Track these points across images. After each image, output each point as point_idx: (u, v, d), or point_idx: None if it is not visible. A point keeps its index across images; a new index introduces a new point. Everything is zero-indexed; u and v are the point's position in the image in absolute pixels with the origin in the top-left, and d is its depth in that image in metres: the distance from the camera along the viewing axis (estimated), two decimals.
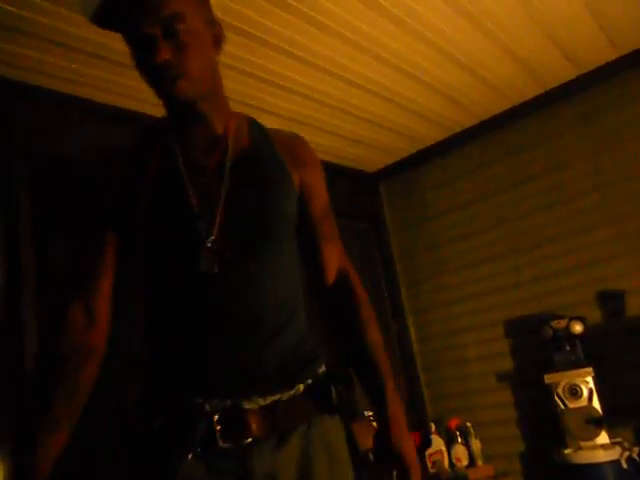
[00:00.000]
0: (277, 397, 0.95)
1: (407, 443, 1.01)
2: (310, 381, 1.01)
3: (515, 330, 3.33)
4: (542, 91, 3.26)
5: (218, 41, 1.06)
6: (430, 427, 3.35)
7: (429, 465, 3.24)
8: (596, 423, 2.73)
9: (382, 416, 1.04)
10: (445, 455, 3.28)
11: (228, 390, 0.93)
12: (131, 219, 1.01)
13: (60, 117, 2.39)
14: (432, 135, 3.62)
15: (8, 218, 2.13)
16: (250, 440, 0.91)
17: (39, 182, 2.23)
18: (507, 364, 3.35)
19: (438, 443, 3.29)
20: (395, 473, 0.99)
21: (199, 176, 1.02)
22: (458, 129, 3.59)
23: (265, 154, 1.09)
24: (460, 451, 3.28)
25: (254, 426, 0.92)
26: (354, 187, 3.89)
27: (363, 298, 1.17)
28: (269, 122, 3.24)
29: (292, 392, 0.97)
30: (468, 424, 3.33)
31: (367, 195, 3.99)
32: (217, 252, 0.96)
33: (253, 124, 1.14)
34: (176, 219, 1.00)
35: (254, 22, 2.20)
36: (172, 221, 1.00)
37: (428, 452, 3.27)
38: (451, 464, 3.27)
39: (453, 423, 3.37)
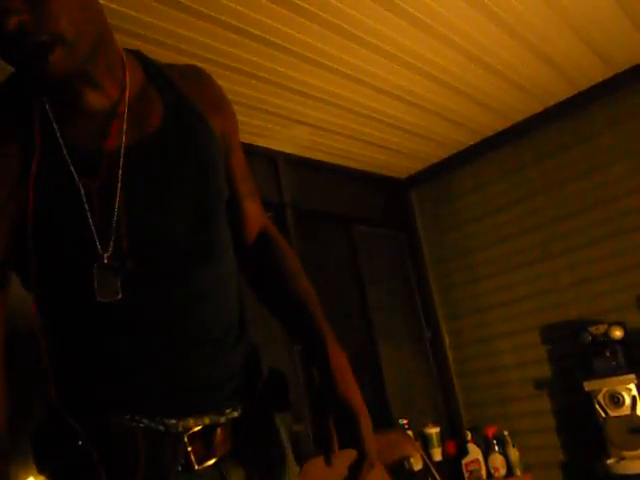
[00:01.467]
0: (234, 413, 0.84)
1: (355, 391, 0.89)
2: (260, 386, 0.91)
3: (552, 336, 3.26)
4: (575, 92, 3.21)
5: None
6: (466, 435, 3.30)
7: (466, 475, 3.20)
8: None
9: (324, 367, 0.90)
10: (482, 464, 3.22)
11: (174, 409, 0.79)
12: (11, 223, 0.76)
13: None
14: (463, 140, 3.60)
15: None
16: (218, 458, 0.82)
17: None
18: (545, 371, 3.28)
19: (475, 452, 3.24)
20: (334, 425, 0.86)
21: (92, 166, 0.77)
22: (489, 133, 3.56)
23: (179, 110, 0.85)
24: (498, 460, 3.22)
25: (222, 443, 0.82)
26: (385, 194, 3.88)
27: (287, 249, 1.04)
28: (300, 132, 3.28)
29: (245, 404, 0.86)
30: (505, 432, 3.27)
31: (398, 202, 3.98)
32: (119, 271, 0.75)
33: (148, 67, 0.88)
34: (65, 231, 0.77)
35: (286, 35, 2.23)
36: (60, 234, 0.77)
37: (465, 461, 3.22)
38: (488, 474, 3.21)
39: (490, 431, 3.31)
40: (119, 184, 0.76)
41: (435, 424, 3.34)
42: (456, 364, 3.71)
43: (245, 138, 2.92)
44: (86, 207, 0.75)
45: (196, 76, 0.94)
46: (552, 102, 3.29)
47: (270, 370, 0.95)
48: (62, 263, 0.77)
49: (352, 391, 0.89)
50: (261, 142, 3.05)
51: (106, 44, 0.79)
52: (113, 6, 1.86)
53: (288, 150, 3.21)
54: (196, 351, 0.81)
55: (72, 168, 0.75)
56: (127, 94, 0.81)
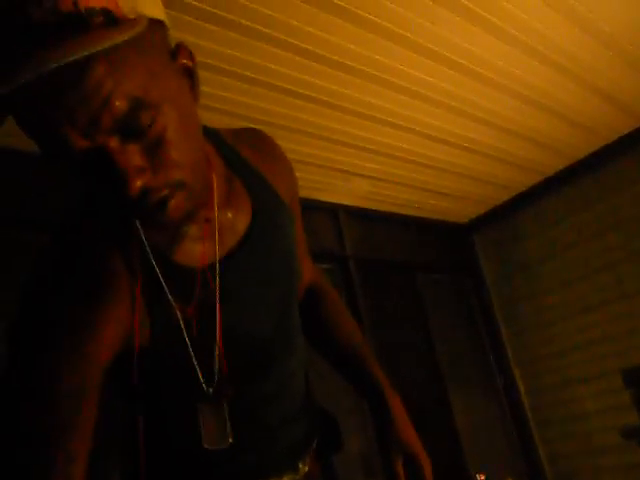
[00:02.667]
0: (305, 468, 0.88)
1: (411, 431, 0.93)
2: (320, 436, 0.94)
3: (636, 380, 3.07)
4: (638, 125, 3.14)
5: (191, 77, 0.65)
6: None
7: None
8: None
9: (382, 410, 0.93)
10: None
11: None
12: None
13: None
14: (524, 181, 3.56)
15: None
16: None
17: None
18: (632, 418, 3.08)
19: None
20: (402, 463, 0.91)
21: (188, 285, 0.70)
22: (551, 173, 3.51)
23: (264, 202, 0.80)
24: None
25: None
26: (447, 240, 3.87)
27: (333, 296, 1.05)
28: (360, 184, 3.35)
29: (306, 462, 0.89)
30: None
31: (461, 247, 3.95)
32: (220, 408, 0.71)
33: (222, 148, 0.81)
34: (170, 371, 0.72)
35: (338, 93, 2.34)
36: (165, 374, 0.72)
37: None
38: None
39: None
40: (217, 303, 0.71)
41: (516, 479, 3.18)
42: (533, 412, 3.55)
43: (306, 193, 3.02)
44: (185, 335, 0.69)
45: (260, 143, 0.89)
46: (614, 137, 3.22)
47: (321, 411, 0.98)
48: (167, 401, 0.74)
49: (411, 433, 0.93)
50: (321, 196, 3.14)
51: (203, 159, 0.68)
52: None
53: (348, 202, 3.29)
54: (282, 426, 0.84)
55: (168, 294, 0.68)
56: (215, 197, 0.73)
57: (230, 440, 0.70)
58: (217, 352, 0.71)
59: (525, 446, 3.52)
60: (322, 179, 2.97)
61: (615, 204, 3.25)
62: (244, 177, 0.80)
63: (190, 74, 0.64)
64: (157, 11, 0.59)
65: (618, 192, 3.25)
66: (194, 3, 1.74)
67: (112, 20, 0.52)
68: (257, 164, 0.83)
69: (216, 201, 0.73)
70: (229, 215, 0.75)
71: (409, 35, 2.10)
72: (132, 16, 0.53)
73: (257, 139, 0.89)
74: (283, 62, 2.09)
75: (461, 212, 3.84)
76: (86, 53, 0.49)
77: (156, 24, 0.58)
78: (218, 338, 0.71)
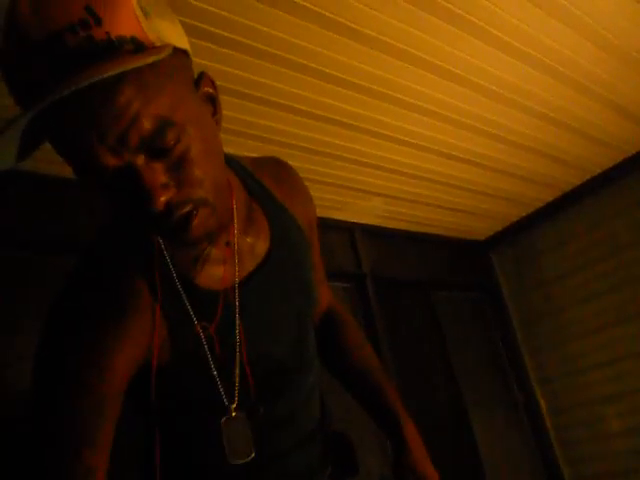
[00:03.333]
0: None
1: (427, 462, 0.93)
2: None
3: None
4: None
5: (214, 103, 0.70)
6: None
7: None
8: None
9: (398, 438, 0.93)
10: None
11: None
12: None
13: None
14: (541, 197, 3.55)
15: None
16: None
17: None
18: None
19: None
20: None
21: (210, 306, 0.73)
22: (568, 188, 3.49)
23: (283, 230, 0.84)
24: None
25: None
26: (465, 257, 3.85)
27: (350, 323, 1.06)
28: (376, 202, 3.34)
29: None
30: None
31: (479, 264, 3.93)
32: (244, 422, 0.73)
33: (244, 177, 0.85)
34: (190, 388, 0.73)
35: (354, 114, 2.36)
36: (186, 392, 0.74)
37: None
38: None
39: None
40: (237, 322, 0.74)
41: None
42: (556, 431, 3.48)
43: (323, 212, 3.04)
44: (207, 353, 0.71)
45: (281, 173, 0.91)
46: (632, 151, 3.20)
47: (336, 435, 0.98)
48: (186, 423, 0.75)
49: (425, 459, 0.93)
50: (338, 215, 3.16)
51: (225, 181, 0.72)
52: None
53: (365, 221, 3.30)
54: (295, 449, 0.84)
55: (191, 312, 0.70)
56: (235, 222, 0.76)
57: (253, 454, 0.71)
58: (238, 370, 0.73)
59: (548, 466, 3.45)
60: (338, 198, 2.99)
61: (635, 218, 3.22)
62: (264, 204, 0.83)
63: (212, 101, 0.69)
64: (182, 41, 0.63)
65: (637, 207, 3.21)
66: (211, 29, 1.78)
67: (140, 47, 0.56)
68: (277, 192, 0.86)
69: (236, 225, 0.76)
70: (248, 240, 0.79)
71: (423, 55, 2.12)
72: (158, 44, 0.58)
73: (278, 168, 0.92)
74: (300, 84, 2.12)
75: (478, 229, 3.82)
76: (115, 72, 0.52)
77: (181, 53, 0.63)
78: (240, 356, 0.73)
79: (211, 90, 0.68)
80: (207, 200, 0.63)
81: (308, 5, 1.78)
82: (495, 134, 2.76)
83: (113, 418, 0.64)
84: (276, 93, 2.14)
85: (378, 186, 2.98)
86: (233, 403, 0.72)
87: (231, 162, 0.83)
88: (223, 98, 1.95)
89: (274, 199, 0.85)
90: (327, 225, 3.07)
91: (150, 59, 0.55)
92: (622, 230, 3.26)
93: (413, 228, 3.53)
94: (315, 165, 2.63)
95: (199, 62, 1.89)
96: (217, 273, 0.74)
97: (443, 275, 3.66)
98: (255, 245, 0.79)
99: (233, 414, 0.72)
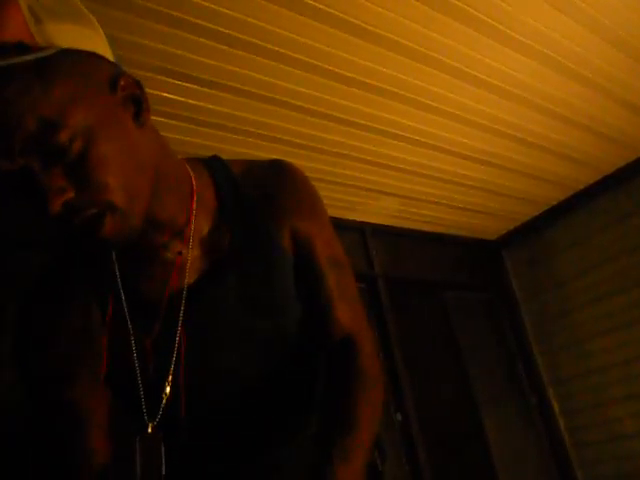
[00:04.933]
0: None
1: None
2: None
3: None
4: None
5: (136, 105, 0.67)
6: None
7: None
8: None
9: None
10: None
11: None
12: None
13: None
14: (553, 196, 3.52)
15: None
16: None
17: None
18: None
19: None
20: None
21: (152, 315, 0.72)
22: (581, 187, 3.46)
23: (250, 247, 0.77)
24: None
25: None
26: (477, 257, 3.83)
27: (365, 369, 0.82)
28: (388, 203, 3.33)
29: None
30: None
31: (491, 264, 3.91)
32: (165, 444, 0.69)
33: (221, 185, 0.80)
34: (122, 398, 0.73)
35: (367, 114, 2.36)
36: (120, 401, 0.74)
37: None
38: None
39: None
40: (178, 336, 0.71)
41: None
42: (569, 433, 3.45)
43: (335, 213, 3.04)
44: (136, 366, 0.70)
45: (275, 184, 0.82)
46: None
47: None
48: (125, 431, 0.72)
49: None
50: (351, 215, 3.16)
51: (166, 176, 0.71)
52: (201, 104, 2.08)
53: (376, 221, 3.29)
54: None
55: (128, 321, 0.70)
56: (190, 232, 0.74)
57: (162, 476, 0.67)
58: (169, 387, 0.70)
59: (561, 468, 3.42)
60: (350, 198, 2.98)
61: None
62: (234, 220, 0.78)
63: (137, 102, 0.66)
64: (88, 44, 0.63)
65: None
66: (222, 29, 1.78)
67: (25, 50, 0.57)
68: (260, 207, 0.80)
69: (192, 237, 0.74)
70: (201, 253, 0.75)
71: (435, 55, 2.11)
72: (44, 46, 0.58)
73: (273, 179, 0.83)
74: (311, 85, 2.12)
75: (490, 229, 3.80)
76: None
77: (89, 56, 0.63)
78: (174, 371, 0.69)
79: (134, 91, 0.66)
80: (114, 205, 0.61)
81: (319, 6, 1.78)
82: (507, 133, 2.74)
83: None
84: (288, 94, 2.14)
85: (390, 186, 2.97)
86: (154, 420, 0.69)
87: (215, 167, 0.80)
88: (232, 98, 1.94)
89: (251, 215, 0.79)
90: (338, 225, 3.05)
91: (30, 57, 0.56)
92: (635, 229, 3.23)
93: (425, 228, 3.52)
94: (327, 165, 2.63)
95: (210, 63, 1.90)
96: (164, 282, 0.72)
97: (455, 275, 3.64)
98: (209, 259, 0.75)
99: (149, 431, 0.69)
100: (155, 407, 0.69)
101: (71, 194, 0.59)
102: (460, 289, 3.66)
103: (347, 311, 0.84)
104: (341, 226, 3.11)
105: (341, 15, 1.84)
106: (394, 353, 2.96)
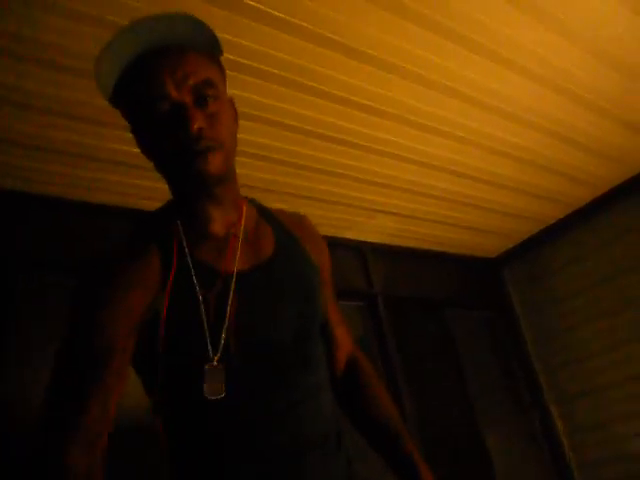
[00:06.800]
0: None
1: None
2: None
3: None
4: None
5: (236, 117, 0.97)
6: None
7: None
8: None
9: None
10: None
11: None
12: (144, 330, 0.87)
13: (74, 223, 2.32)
14: (553, 214, 3.53)
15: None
16: None
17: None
18: None
19: None
20: None
21: (212, 281, 0.90)
22: (581, 204, 3.47)
23: (287, 244, 1.01)
24: None
25: None
26: (477, 275, 3.83)
27: (371, 373, 1.13)
28: (385, 221, 3.34)
29: None
30: None
31: (491, 282, 3.90)
32: (225, 372, 0.87)
33: (260, 208, 1.06)
34: (186, 336, 0.88)
35: (362, 134, 2.38)
36: (182, 338, 0.88)
37: None
38: None
39: None
40: (230, 298, 0.90)
41: None
42: (574, 453, 3.41)
43: (332, 232, 3.04)
44: (203, 313, 0.88)
45: (301, 220, 1.10)
46: None
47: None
48: (181, 364, 0.89)
49: None
50: (348, 234, 3.16)
51: (234, 175, 0.97)
52: None
53: (375, 240, 3.29)
54: (291, 455, 0.88)
55: (195, 281, 0.89)
56: (242, 222, 0.98)
57: (223, 394, 0.86)
58: (224, 334, 0.88)
59: None
60: (347, 217, 2.99)
61: None
62: (274, 227, 1.02)
63: (236, 115, 0.98)
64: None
65: None
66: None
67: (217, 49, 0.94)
68: (293, 231, 1.04)
69: (243, 225, 0.98)
70: (253, 239, 0.99)
71: (429, 75, 2.13)
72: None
73: (300, 218, 1.11)
74: (305, 105, 2.14)
75: (490, 246, 3.80)
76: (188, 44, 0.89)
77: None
78: (228, 324, 0.88)
79: (236, 110, 0.98)
80: (223, 145, 0.88)
81: (309, 27, 1.80)
82: (504, 151, 2.76)
83: (117, 368, 0.83)
84: (282, 114, 2.16)
85: (387, 205, 2.98)
86: (217, 354, 0.87)
87: (251, 200, 1.06)
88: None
89: (286, 230, 1.03)
90: (337, 244, 3.07)
91: (211, 52, 0.93)
92: (633, 246, 3.23)
93: (424, 246, 3.52)
94: (323, 185, 2.63)
95: None
96: (222, 256, 0.94)
97: (455, 293, 3.63)
98: (258, 249, 0.98)
99: (215, 363, 0.87)
100: (216, 345, 0.87)
101: (205, 125, 0.86)
102: (460, 307, 3.65)
103: (348, 332, 1.14)
104: (339, 245, 3.11)
105: (330, 35, 1.86)
106: (395, 371, 2.94)
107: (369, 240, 3.27)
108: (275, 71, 1.94)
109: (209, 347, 0.87)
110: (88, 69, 1.53)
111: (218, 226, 0.95)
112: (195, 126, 0.84)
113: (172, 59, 0.86)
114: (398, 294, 3.28)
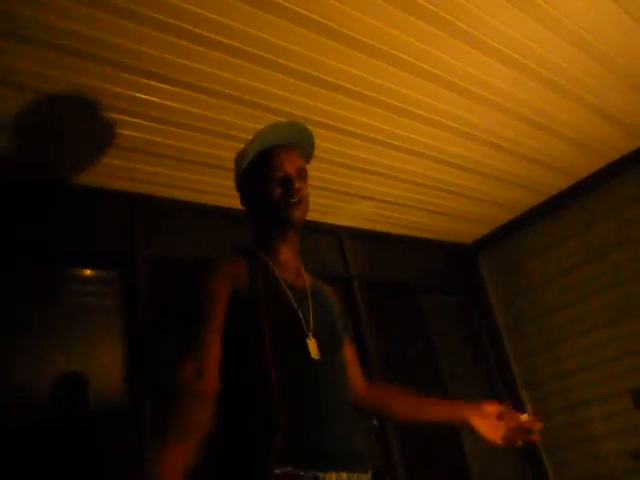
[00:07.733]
0: (361, 476, 1.25)
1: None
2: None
3: None
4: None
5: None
6: None
7: None
8: None
9: (465, 407, 1.59)
10: None
11: (330, 464, 1.18)
12: (244, 312, 1.30)
13: (177, 221, 2.57)
14: (528, 201, 3.57)
15: (130, 317, 2.30)
16: None
17: (157, 282, 2.39)
18: None
19: None
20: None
21: (293, 292, 1.37)
22: (554, 192, 3.52)
23: (321, 289, 1.52)
24: None
25: None
26: (452, 261, 3.86)
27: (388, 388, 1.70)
28: (364, 206, 3.33)
29: (367, 476, 1.28)
30: None
31: (466, 267, 3.94)
32: (316, 344, 1.31)
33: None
34: (286, 319, 1.32)
35: (345, 118, 2.37)
36: (283, 321, 1.32)
37: None
38: None
39: None
40: (308, 300, 1.39)
41: None
42: (543, 436, 3.48)
43: (311, 217, 3.01)
44: (295, 306, 1.35)
45: (330, 288, 1.61)
46: (617, 156, 3.23)
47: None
48: (284, 339, 1.29)
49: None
50: (325, 219, 3.15)
51: (300, 230, 1.48)
52: (181, 106, 2.06)
53: (352, 224, 3.29)
54: (341, 416, 1.27)
55: (284, 285, 1.37)
56: (302, 269, 1.49)
57: (320, 356, 1.29)
58: (311, 318, 1.35)
59: (534, 470, 3.46)
60: (325, 201, 2.98)
61: (620, 222, 3.24)
62: (312, 278, 1.52)
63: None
64: None
65: (622, 210, 3.24)
66: (199, 31, 1.77)
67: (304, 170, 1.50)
68: (322, 285, 1.56)
69: (302, 269, 1.49)
70: (302, 280, 1.46)
71: (410, 59, 2.13)
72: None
73: (329, 287, 1.63)
74: (287, 87, 2.12)
75: (465, 233, 3.84)
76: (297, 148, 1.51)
77: None
78: (310, 320, 1.35)
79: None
80: (303, 201, 1.42)
81: (301, 11, 1.78)
82: (482, 138, 2.77)
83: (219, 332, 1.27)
84: (264, 95, 2.13)
85: (366, 190, 2.98)
86: (310, 332, 1.32)
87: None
88: (221, 103, 2.19)
89: (319, 284, 1.53)
90: (315, 229, 3.06)
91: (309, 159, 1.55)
92: (608, 233, 3.29)
93: (400, 231, 3.54)
94: None
95: (189, 64, 1.88)
96: (295, 277, 1.44)
97: (430, 278, 3.66)
98: (305, 281, 1.47)
99: (310, 335, 1.31)
100: (308, 326, 1.33)
101: (302, 186, 1.42)
102: (436, 292, 3.68)
103: (361, 371, 1.61)
104: (317, 230, 3.10)
105: (318, 18, 1.84)
106: (369, 355, 2.96)
107: (346, 225, 3.27)
108: (256, 51, 1.91)
109: (304, 327, 1.32)
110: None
111: (287, 257, 1.44)
112: (296, 187, 1.39)
113: (289, 152, 1.45)
114: (374, 278, 3.29)
